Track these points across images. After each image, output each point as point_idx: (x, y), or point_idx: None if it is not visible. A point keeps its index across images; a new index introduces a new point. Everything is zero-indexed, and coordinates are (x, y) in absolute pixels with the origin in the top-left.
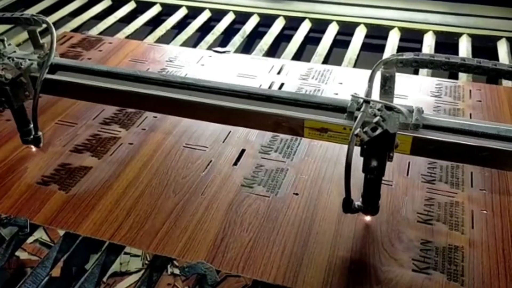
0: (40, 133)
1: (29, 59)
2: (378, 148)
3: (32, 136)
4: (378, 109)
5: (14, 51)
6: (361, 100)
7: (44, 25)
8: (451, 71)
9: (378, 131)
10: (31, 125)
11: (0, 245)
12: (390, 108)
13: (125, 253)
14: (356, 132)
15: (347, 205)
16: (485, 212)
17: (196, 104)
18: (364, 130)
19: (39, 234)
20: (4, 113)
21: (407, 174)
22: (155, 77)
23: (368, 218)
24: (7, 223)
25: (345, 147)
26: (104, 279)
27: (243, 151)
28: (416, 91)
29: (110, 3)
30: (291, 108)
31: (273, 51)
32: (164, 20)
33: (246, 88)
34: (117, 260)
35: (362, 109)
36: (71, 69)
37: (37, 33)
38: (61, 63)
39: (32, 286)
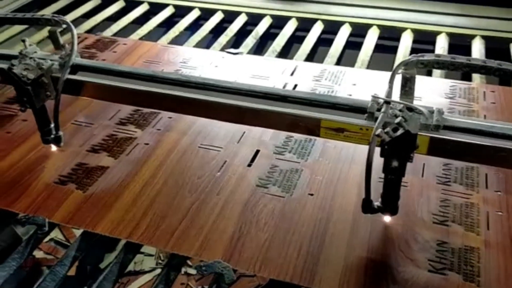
0: (60, 133)
1: (51, 60)
2: (399, 149)
3: (53, 136)
4: (400, 110)
5: (35, 52)
6: (382, 101)
7: (64, 26)
8: (472, 73)
9: (400, 131)
10: (52, 125)
11: (16, 245)
12: (410, 109)
13: (139, 252)
14: (377, 132)
15: (367, 205)
16: (500, 213)
17: (213, 103)
18: (386, 130)
19: (55, 233)
20: (20, 114)
21: (422, 176)
22: (174, 78)
23: (387, 218)
24: (25, 222)
25: (360, 148)
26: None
27: (257, 151)
28: (430, 93)
29: (123, 4)
30: (307, 108)
31: (286, 52)
32: (177, 22)
33: (263, 88)
34: None
35: (382, 110)
36: (92, 70)
37: (58, 34)
38: (82, 63)
39: (51, 284)
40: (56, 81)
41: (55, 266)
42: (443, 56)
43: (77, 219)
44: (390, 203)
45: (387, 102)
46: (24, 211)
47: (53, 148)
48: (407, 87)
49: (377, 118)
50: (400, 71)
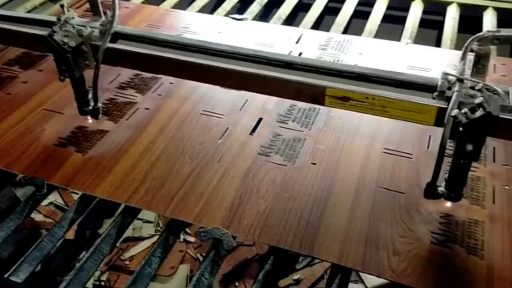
0: (99, 104)
1: (90, 27)
2: (476, 132)
3: (91, 107)
4: (479, 90)
5: (73, 18)
6: (453, 79)
7: None
8: None
9: (479, 113)
10: (90, 95)
11: (15, 206)
12: (486, 89)
13: (138, 219)
14: (453, 113)
15: (431, 190)
16: (507, 187)
17: (216, 68)
18: (464, 111)
19: (54, 197)
20: (20, 76)
21: (428, 147)
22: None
23: (453, 205)
24: (24, 183)
25: (365, 118)
26: (117, 244)
27: (260, 119)
28: (439, 64)
29: None
30: (312, 76)
31: (291, 20)
32: None
33: (267, 54)
34: (130, 225)
35: (456, 89)
36: (134, 39)
37: (98, 0)
38: (122, 31)
39: (49, 244)
40: (96, 49)
41: (53, 228)
42: None
43: (76, 182)
44: (457, 189)
45: (461, 80)
46: (23, 172)
47: (108, 124)
48: (480, 64)
49: (448, 97)
50: (473, 46)
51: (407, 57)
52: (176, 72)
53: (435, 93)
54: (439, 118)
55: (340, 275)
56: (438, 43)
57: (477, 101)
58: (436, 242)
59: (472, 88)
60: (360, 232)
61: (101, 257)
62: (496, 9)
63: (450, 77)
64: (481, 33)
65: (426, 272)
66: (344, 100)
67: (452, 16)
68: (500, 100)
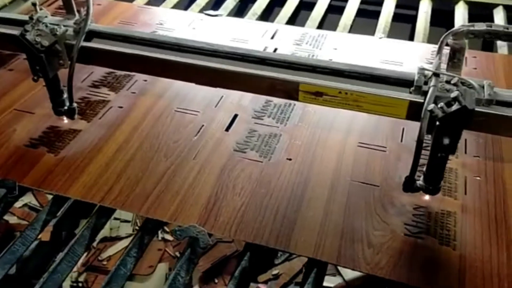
0: (74, 104)
1: (64, 25)
2: (452, 125)
3: (66, 107)
4: (454, 84)
5: (46, 16)
6: (429, 74)
7: None
8: None
9: (455, 106)
10: (65, 95)
11: None
12: (462, 83)
13: (116, 219)
14: (430, 107)
15: (410, 184)
16: (478, 178)
17: (188, 65)
18: (440, 105)
19: (28, 198)
20: None
21: (401, 140)
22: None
23: (426, 197)
24: None
25: (340, 113)
26: (95, 244)
27: (235, 116)
28: (412, 58)
29: None
30: (286, 71)
31: (267, 15)
32: None
33: (241, 50)
34: (107, 225)
35: (432, 83)
36: (109, 37)
37: None
38: (97, 29)
39: (21, 248)
40: (70, 48)
41: (25, 230)
42: (495, 25)
43: (48, 183)
44: (435, 182)
45: (437, 75)
46: None
47: (81, 123)
48: (456, 58)
49: (425, 92)
50: (448, 41)
51: (380, 51)
52: (150, 69)
53: (412, 88)
54: (411, 112)
55: (316, 269)
56: (411, 37)
57: (453, 95)
58: (410, 233)
59: (448, 82)
60: (335, 226)
61: (75, 259)
62: (467, 2)
63: (426, 72)
64: (456, 28)
65: (400, 263)
66: (317, 95)
67: (424, 10)
68: (475, 94)
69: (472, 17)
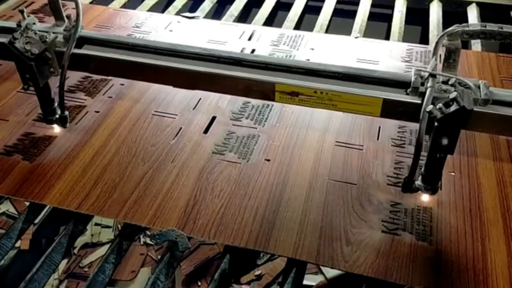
0: (66, 113)
1: (53, 32)
2: (451, 126)
3: (57, 116)
4: (451, 84)
5: (34, 23)
6: (426, 75)
7: None
8: None
9: (454, 107)
10: (56, 104)
11: None
12: (459, 83)
13: (96, 224)
14: (428, 109)
15: (409, 185)
16: (453, 174)
17: (165, 68)
18: (438, 106)
19: (6, 207)
20: None
21: (378, 139)
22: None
23: (426, 197)
24: None
25: (317, 112)
26: (76, 251)
27: (213, 118)
28: (387, 57)
29: None
30: (262, 72)
31: (244, 17)
32: None
33: (216, 52)
34: (88, 231)
35: (429, 84)
36: (100, 43)
37: (60, 4)
38: (88, 36)
39: None
40: (61, 56)
41: (1, 239)
42: (490, 25)
43: (24, 191)
44: (433, 182)
45: (433, 76)
46: None
47: (56, 129)
48: (451, 59)
49: (422, 93)
50: (444, 41)
51: (356, 50)
52: (126, 73)
53: (409, 89)
54: (385, 110)
55: (295, 268)
56: (388, 36)
57: (451, 96)
58: (387, 230)
59: (444, 82)
60: (314, 225)
61: (52, 267)
62: (441, 0)
63: (422, 73)
64: (451, 28)
65: (378, 260)
66: (293, 95)
67: (399, 9)
68: (472, 94)
69: (446, 15)
